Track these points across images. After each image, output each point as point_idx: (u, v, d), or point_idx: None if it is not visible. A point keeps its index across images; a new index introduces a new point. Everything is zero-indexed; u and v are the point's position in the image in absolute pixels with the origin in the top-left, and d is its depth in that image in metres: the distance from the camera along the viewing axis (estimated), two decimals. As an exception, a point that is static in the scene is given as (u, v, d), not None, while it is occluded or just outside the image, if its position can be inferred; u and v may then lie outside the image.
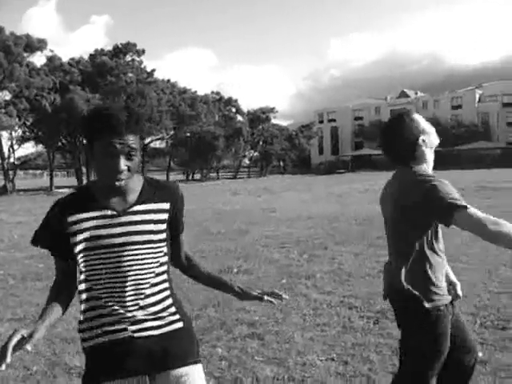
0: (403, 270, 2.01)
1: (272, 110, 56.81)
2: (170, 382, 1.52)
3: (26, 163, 43.26)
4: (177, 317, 1.57)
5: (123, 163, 1.41)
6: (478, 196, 15.87)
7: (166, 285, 1.57)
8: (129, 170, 1.44)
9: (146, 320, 1.50)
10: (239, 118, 54.06)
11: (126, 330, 1.48)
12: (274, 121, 57.29)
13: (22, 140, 36.96)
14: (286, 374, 3.16)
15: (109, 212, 1.48)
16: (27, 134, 37.26)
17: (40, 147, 41.30)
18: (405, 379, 2.10)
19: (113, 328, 1.48)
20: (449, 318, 2.02)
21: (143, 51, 40.59)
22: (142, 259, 1.48)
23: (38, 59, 36.23)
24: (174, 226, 1.59)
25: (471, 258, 6.38)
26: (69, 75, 35.20)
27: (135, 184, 1.52)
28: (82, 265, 1.48)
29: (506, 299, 4.57)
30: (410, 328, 2.05)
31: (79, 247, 1.47)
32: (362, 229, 9.67)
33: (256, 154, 58.92)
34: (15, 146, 35.29)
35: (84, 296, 1.51)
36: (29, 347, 1.31)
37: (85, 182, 39.57)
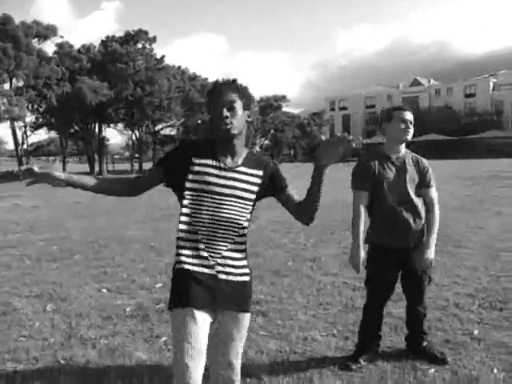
0: None
1: (284, 97, 56.59)
2: (226, 320, 1.89)
3: (38, 149, 43.80)
4: (246, 271, 1.94)
5: (225, 112, 1.80)
6: (490, 185, 15.83)
7: (245, 239, 1.94)
8: (232, 117, 1.81)
9: (228, 265, 1.86)
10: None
11: (212, 267, 1.84)
12: (284, 109, 57.11)
13: (35, 127, 37.39)
14: (288, 347, 3.33)
15: (221, 165, 1.86)
16: (40, 120, 37.66)
17: (52, 134, 41.75)
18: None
19: (203, 262, 1.83)
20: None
21: (154, 39, 40.62)
22: (236, 211, 1.85)
23: (49, 46, 36.43)
24: (273, 185, 1.97)
25: (476, 244, 6.48)
26: (78, 62, 35.36)
27: (242, 150, 1.92)
28: (188, 201, 1.85)
29: (505, 283, 4.68)
30: None
31: (191, 185, 1.84)
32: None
33: (267, 141, 58.89)
34: (28, 133, 35.72)
35: (184, 227, 1.85)
36: (36, 168, 1.74)
37: (97, 168, 39.98)
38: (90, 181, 1.89)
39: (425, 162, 3.02)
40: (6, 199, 16.55)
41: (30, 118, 36.27)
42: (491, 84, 62.07)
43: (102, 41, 39.74)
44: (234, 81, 1.90)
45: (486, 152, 46.65)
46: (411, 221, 2.91)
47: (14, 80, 32.56)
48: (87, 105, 33.48)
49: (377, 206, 2.98)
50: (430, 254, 2.94)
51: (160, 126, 45.62)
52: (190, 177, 1.83)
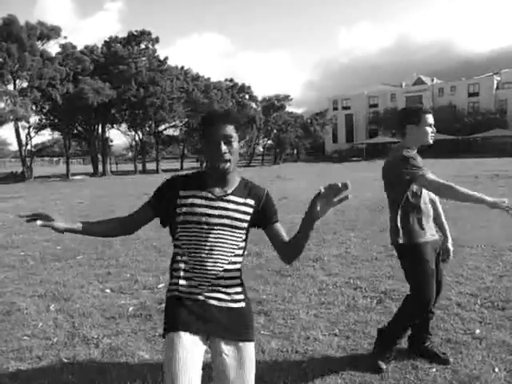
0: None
1: (287, 97, 56.54)
2: (223, 350, 1.79)
3: (42, 150, 43.91)
4: (241, 297, 1.88)
5: (223, 147, 1.77)
6: (493, 184, 15.79)
7: (239, 266, 1.89)
8: (230, 152, 1.78)
9: (219, 291, 1.82)
10: (253, 105, 53.96)
11: (201, 293, 1.81)
12: (287, 108, 57.08)
13: (39, 127, 37.51)
14: (289, 346, 3.34)
15: (209, 195, 1.83)
16: (44, 121, 37.78)
17: (56, 134, 41.87)
18: (411, 303, 2.96)
19: (192, 290, 1.81)
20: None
21: (157, 39, 40.66)
22: (225, 239, 1.82)
23: (53, 47, 36.57)
24: (264, 217, 1.90)
25: (479, 243, 6.47)
26: (81, 64, 35.46)
27: (234, 179, 1.89)
28: (178, 234, 1.85)
29: (508, 282, 4.68)
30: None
31: (179, 218, 1.82)
32: (373, 215, 9.77)
33: (269, 141, 58.86)
34: (32, 134, 35.83)
35: (176, 257, 1.87)
36: (39, 223, 1.78)
37: (100, 168, 40.12)
38: (88, 227, 1.91)
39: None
40: (10, 200, 16.63)
41: (33, 119, 36.43)
42: (495, 82, 61.81)
43: (105, 41, 39.84)
44: (231, 112, 1.86)
45: (490, 151, 46.52)
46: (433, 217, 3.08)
47: (17, 81, 32.68)
48: (90, 105, 33.57)
49: (414, 203, 2.95)
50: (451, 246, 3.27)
51: (163, 127, 45.65)
52: (178, 210, 1.83)
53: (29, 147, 35.56)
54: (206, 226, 1.79)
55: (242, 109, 49.57)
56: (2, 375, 3.06)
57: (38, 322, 3.98)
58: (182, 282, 1.82)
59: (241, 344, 1.81)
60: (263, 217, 1.90)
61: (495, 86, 61.55)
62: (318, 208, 1.65)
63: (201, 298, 1.80)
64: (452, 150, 47.30)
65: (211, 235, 1.79)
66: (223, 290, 1.82)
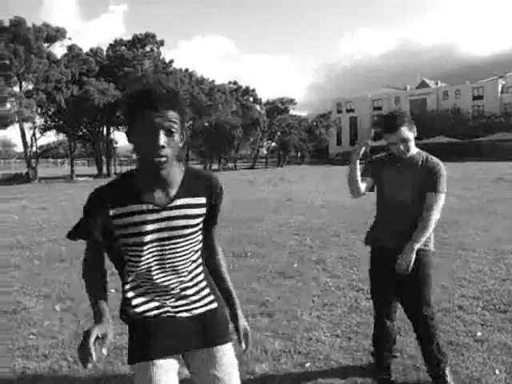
0: None
1: (291, 101, 56.69)
2: (205, 358, 1.60)
3: (47, 152, 44.16)
4: (211, 298, 1.65)
5: (163, 138, 1.37)
6: (497, 188, 15.77)
7: (201, 269, 1.65)
8: (169, 145, 1.40)
9: (186, 303, 1.60)
10: (257, 107, 54.08)
11: (168, 311, 1.58)
12: (291, 111, 57.21)
13: (44, 129, 37.73)
14: (292, 347, 3.37)
15: (150, 207, 1.47)
16: (49, 123, 38.02)
17: (61, 136, 42.07)
18: (430, 313, 2.79)
19: (156, 312, 1.57)
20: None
21: (162, 42, 40.88)
22: (181, 251, 1.55)
23: (58, 49, 36.79)
24: (209, 218, 1.61)
25: (482, 247, 6.48)
26: (86, 65, 35.69)
27: (176, 176, 1.52)
28: (126, 257, 1.55)
29: (510, 285, 4.69)
30: None
31: (122, 241, 1.51)
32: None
33: (273, 144, 58.97)
34: (37, 135, 36.05)
35: (128, 285, 1.57)
36: (105, 351, 1.39)
37: (105, 170, 40.25)
38: (106, 298, 1.56)
39: (435, 163, 2.74)
40: (15, 201, 16.73)
41: (39, 121, 36.65)
42: (500, 86, 61.72)
43: (111, 44, 40.10)
44: (173, 91, 1.42)
45: (495, 154, 46.43)
46: (405, 224, 2.71)
47: (23, 83, 32.92)
48: (95, 107, 33.76)
49: (378, 205, 2.93)
50: (407, 256, 2.64)
51: (167, 129, 45.81)
52: (116, 233, 1.49)
53: (34, 149, 35.77)
54: (155, 244, 1.50)
55: (246, 111, 49.70)
56: (9, 373, 3.11)
57: (44, 322, 4.03)
58: (142, 308, 1.57)
59: (215, 350, 1.61)
60: (209, 216, 1.61)
61: (500, 90, 61.44)
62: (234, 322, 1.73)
63: (168, 315, 1.58)
64: (457, 153, 47.25)
65: (164, 252, 1.52)
66: (190, 299, 1.61)
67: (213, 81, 47.16)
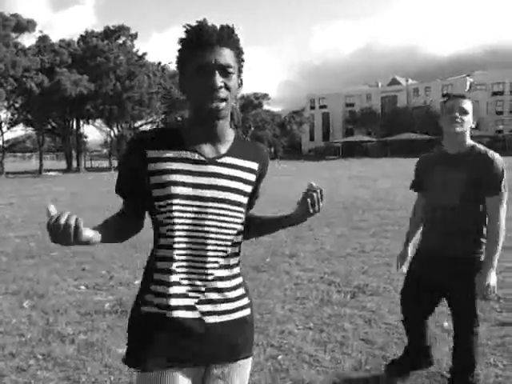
0: None
1: (266, 96, 56.79)
2: (220, 374, 1.35)
3: (14, 146, 42.95)
4: (246, 301, 1.38)
5: (219, 78, 1.21)
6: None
7: (238, 260, 1.38)
8: (227, 88, 1.23)
9: (217, 301, 1.30)
10: (230, 102, 53.91)
11: (194, 308, 1.28)
12: (265, 107, 57.38)
13: (11, 122, 36.64)
14: (265, 340, 3.39)
15: (196, 156, 1.27)
16: (16, 116, 36.93)
17: (29, 130, 40.98)
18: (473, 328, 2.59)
19: (180, 303, 1.27)
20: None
21: (136, 35, 40.31)
22: (224, 221, 1.29)
23: (27, 40, 35.82)
24: (255, 190, 1.41)
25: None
26: (58, 56, 34.83)
27: (227, 133, 1.33)
28: (159, 216, 1.28)
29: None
30: None
31: (157, 192, 1.25)
32: (347, 212, 9.93)
33: (247, 139, 58.96)
34: (4, 129, 34.97)
35: (157, 253, 1.30)
36: (52, 209, 1.20)
37: (74, 165, 39.41)
38: (101, 233, 1.24)
39: (491, 158, 2.40)
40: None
41: (5, 115, 35.57)
42: (468, 84, 63.35)
43: (82, 36, 39.19)
44: (229, 28, 1.24)
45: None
46: (453, 228, 2.46)
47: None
48: (66, 99, 32.97)
49: (426, 208, 2.67)
50: (488, 278, 2.37)
51: (140, 123, 45.21)
52: (152, 180, 1.25)
53: (0, 142, 34.72)
54: (195, 203, 1.25)
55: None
56: (-25, 372, 3.02)
57: (11, 319, 3.93)
58: (163, 288, 1.26)
59: (241, 363, 1.37)
60: (255, 188, 1.40)
61: (468, 88, 63.06)
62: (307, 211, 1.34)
63: (194, 315, 1.27)
64: (428, 149, 48.25)
65: (204, 216, 1.26)
66: (223, 296, 1.31)
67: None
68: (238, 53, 1.26)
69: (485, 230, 2.46)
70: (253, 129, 55.39)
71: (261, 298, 4.33)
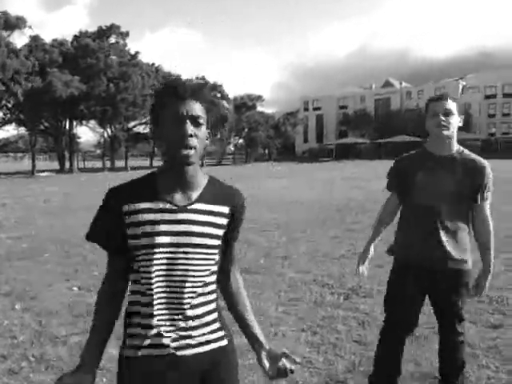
0: None
1: (259, 97, 56.88)
2: None
3: (6, 146, 42.66)
4: (221, 333, 1.42)
5: (190, 127, 1.31)
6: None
7: (214, 296, 1.42)
8: (196, 137, 1.32)
9: (189, 336, 1.35)
10: (224, 103, 53.93)
11: (167, 346, 1.33)
12: (258, 108, 57.46)
13: (3, 122, 36.39)
14: (259, 342, 3.40)
15: (167, 206, 1.35)
16: (8, 116, 36.69)
17: (22, 130, 40.73)
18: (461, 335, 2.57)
19: (155, 341, 1.33)
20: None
21: (127, 33, 40.20)
22: (195, 264, 1.35)
23: (19, 39, 35.55)
24: (230, 232, 1.45)
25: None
26: (48, 55, 34.62)
27: (199, 180, 1.41)
28: (135, 264, 1.35)
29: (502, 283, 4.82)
30: None
31: (132, 243, 1.33)
32: (341, 214, 9.95)
33: (241, 140, 59.02)
34: (-4, 129, 34.75)
35: (132, 298, 1.38)
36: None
37: (67, 165, 39.21)
38: (108, 330, 1.41)
39: (479, 163, 2.40)
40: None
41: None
42: (460, 87, 63.82)
43: (75, 36, 39.06)
44: (204, 87, 1.37)
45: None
46: (440, 235, 2.38)
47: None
48: (58, 99, 32.78)
49: (403, 213, 2.56)
50: (485, 280, 2.43)
51: (133, 124, 45.12)
52: (128, 232, 1.33)
53: (-8, 142, 34.47)
54: (168, 249, 1.32)
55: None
56: (-34, 374, 3.00)
57: (3, 321, 3.90)
58: (140, 330, 1.34)
59: None
60: (229, 231, 1.44)
61: (460, 91, 63.53)
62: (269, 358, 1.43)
63: (169, 350, 1.33)
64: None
65: (176, 262, 1.33)
66: (198, 331, 1.36)
67: (179, 75, 46.69)
68: (208, 106, 1.36)
69: (468, 236, 2.43)
70: (246, 130, 55.43)
71: (254, 300, 4.32)
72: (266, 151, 62.68)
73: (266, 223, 8.87)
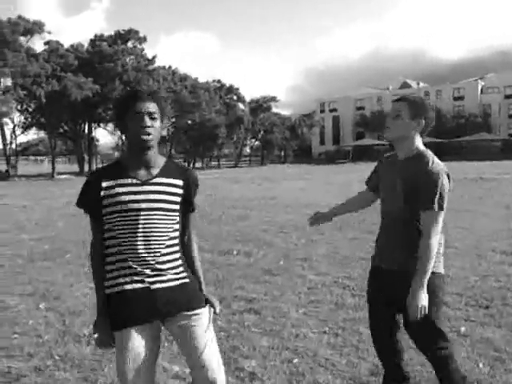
0: None
1: (274, 98, 56.80)
2: (178, 325, 1.85)
3: (27, 149, 43.44)
4: (184, 274, 1.90)
5: (148, 121, 1.79)
6: (476, 187, 16.06)
7: (177, 248, 1.91)
8: (153, 127, 1.80)
9: (160, 275, 1.82)
10: (240, 106, 54.06)
11: (143, 281, 1.80)
12: (273, 110, 57.40)
13: (24, 126, 37.07)
14: (280, 344, 3.39)
15: (134, 181, 1.82)
16: (29, 120, 37.37)
17: (42, 133, 41.42)
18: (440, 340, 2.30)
19: (133, 279, 1.80)
20: None
21: (145, 38, 40.55)
22: (158, 223, 1.82)
23: (37, 43, 36.13)
24: (186, 203, 1.91)
25: (464, 245, 6.60)
26: (64, 59, 35.07)
27: (159, 161, 1.89)
28: (109, 225, 1.83)
29: (492, 281, 4.80)
30: None
31: (108, 209, 1.81)
32: (359, 216, 9.86)
33: (257, 142, 59.03)
34: (17, 132, 35.41)
35: (109, 251, 1.84)
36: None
37: (86, 168, 39.76)
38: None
39: (433, 170, 2.17)
40: (-5, 199, 16.41)
41: (18, 118, 36.01)
42: (479, 87, 62.86)
43: (91, 40, 39.56)
44: (156, 91, 1.83)
45: (475, 154, 47.25)
46: (392, 239, 2.33)
47: (1, 79, 32.18)
48: (74, 102, 33.18)
49: (381, 214, 2.50)
50: (413, 299, 2.15)
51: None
52: (104, 202, 1.80)
53: (13, 146, 35.11)
54: (134, 213, 1.78)
55: (230, 110, 49.65)
56: (-6, 372, 3.06)
57: (28, 320, 3.97)
58: (119, 272, 1.81)
59: (189, 314, 1.85)
60: (185, 201, 1.90)
61: (480, 91, 62.57)
62: None
63: (144, 285, 1.79)
64: (437, 152, 47.93)
65: (142, 221, 1.79)
66: (165, 272, 1.83)
67: (196, 78, 46.98)
68: (161, 106, 1.87)
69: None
70: (262, 132, 55.42)
71: (275, 302, 4.32)
72: (282, 153, 62.53)
73: (283, 225, 8.86)
